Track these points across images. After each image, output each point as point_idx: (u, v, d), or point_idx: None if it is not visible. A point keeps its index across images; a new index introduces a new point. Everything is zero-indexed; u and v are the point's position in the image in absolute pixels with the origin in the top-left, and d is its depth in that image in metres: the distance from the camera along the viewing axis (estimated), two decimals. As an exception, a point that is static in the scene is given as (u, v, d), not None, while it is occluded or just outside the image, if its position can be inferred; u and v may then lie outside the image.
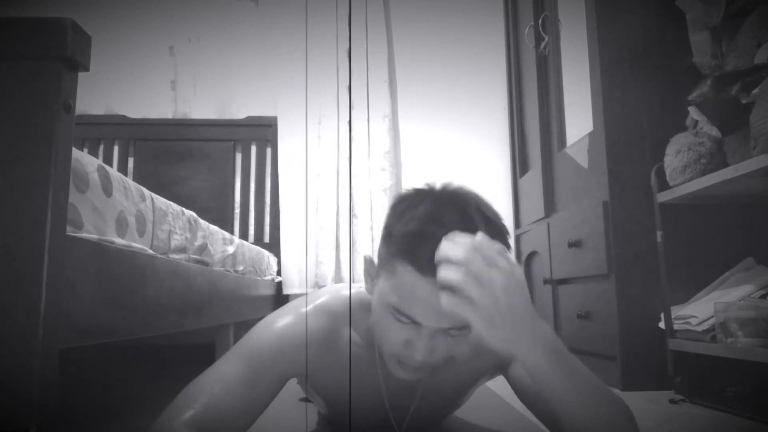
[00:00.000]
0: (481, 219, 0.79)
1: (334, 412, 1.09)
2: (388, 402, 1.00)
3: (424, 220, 0.78)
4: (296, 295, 2.38)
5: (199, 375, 0.88)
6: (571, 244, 2.15)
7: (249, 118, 3.11)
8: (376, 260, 0.88)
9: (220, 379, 0.85)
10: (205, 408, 0.81)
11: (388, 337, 0.83)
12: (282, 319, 0.94)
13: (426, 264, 0.74)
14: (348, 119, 3.07)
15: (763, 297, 1.53)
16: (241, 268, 2.00)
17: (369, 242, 2.88)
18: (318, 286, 2.86)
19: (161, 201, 1.29)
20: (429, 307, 0.77)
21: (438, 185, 0.85)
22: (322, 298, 0.98)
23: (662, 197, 1.76)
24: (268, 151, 3.11)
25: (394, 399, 1.00)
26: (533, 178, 2.71)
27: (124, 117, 3.06)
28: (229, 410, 0.83)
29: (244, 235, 2.98)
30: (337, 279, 2.91)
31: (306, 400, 1.44)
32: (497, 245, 0.72)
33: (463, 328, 0.79)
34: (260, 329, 0.93)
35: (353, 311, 0.94)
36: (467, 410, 1.29)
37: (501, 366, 0.99)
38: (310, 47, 3.06)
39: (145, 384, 2.05)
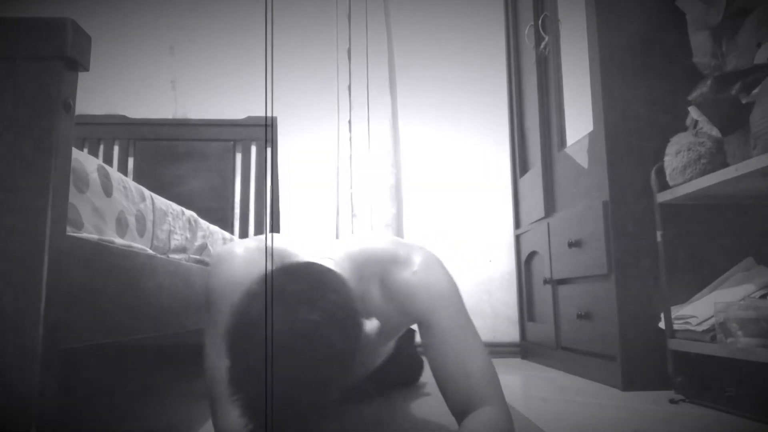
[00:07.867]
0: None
1: None
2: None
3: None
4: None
5: (204, 378, 0.95)
6: (571, 244, 2.15)
7: (249, 118, 3.10)
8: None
9: (222, 375, 0.91)
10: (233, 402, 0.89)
11: None
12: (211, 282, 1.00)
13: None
14: (348, 119, 3.07)
15: (763, 297, 1.53)
16: (241, 268, 1.99)
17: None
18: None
19: (161, 201, 1.29)
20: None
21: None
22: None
23: (662, 197, 1.76)
24: (269, 151, 3.11)
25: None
26: (533, 178, 2.71)
27: (124, 117, 3.06)
28: None
29: (244, 235, 2.97)
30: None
31: None
32: None
33: None
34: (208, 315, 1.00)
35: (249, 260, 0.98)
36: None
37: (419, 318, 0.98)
38: (309, 47, 3.06)
39: (144, 384, 2.05)
